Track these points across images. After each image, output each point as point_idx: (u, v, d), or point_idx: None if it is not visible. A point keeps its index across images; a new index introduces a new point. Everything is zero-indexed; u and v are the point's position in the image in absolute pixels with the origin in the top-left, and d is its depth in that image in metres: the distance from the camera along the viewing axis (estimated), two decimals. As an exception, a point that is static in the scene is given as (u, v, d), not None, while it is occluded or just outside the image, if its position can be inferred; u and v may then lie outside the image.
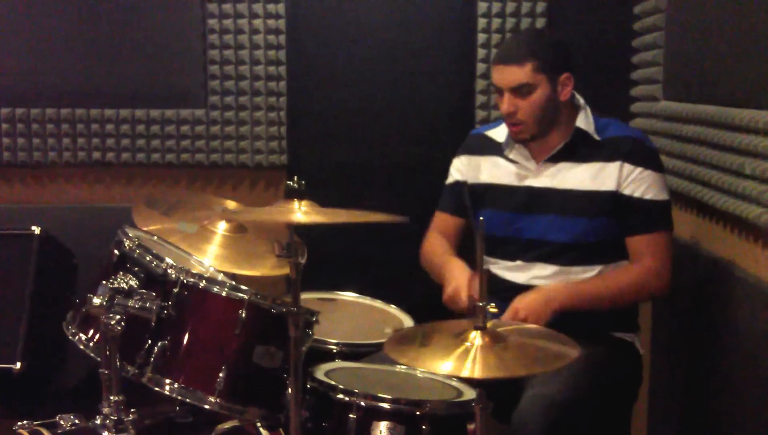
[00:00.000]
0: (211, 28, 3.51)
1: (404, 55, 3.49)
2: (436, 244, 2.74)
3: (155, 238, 2.65)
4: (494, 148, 2.70)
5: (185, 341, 2.25)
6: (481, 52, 3.41)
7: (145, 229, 2.67)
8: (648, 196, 2.50)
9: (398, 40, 3.49)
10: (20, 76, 3.56)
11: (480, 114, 3.44)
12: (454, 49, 3.48)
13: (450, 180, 2.80)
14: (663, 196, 2.53)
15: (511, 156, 2.65)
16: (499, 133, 2.71)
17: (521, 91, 2.49)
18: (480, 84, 3.43)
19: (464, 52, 3.45)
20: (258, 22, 3.50)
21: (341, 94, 3.53)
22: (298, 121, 3.55)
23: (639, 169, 2.50)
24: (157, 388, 2.24)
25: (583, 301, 2.47)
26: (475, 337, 1.95)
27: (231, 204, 3.02)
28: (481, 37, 3.41)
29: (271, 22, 3.50)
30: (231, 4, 3.49)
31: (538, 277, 2.58)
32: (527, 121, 2.52)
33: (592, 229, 2.54)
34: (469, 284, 2.40)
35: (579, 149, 2.57)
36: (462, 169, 2.76)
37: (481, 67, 3.42)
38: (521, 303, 2.41)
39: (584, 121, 2.57)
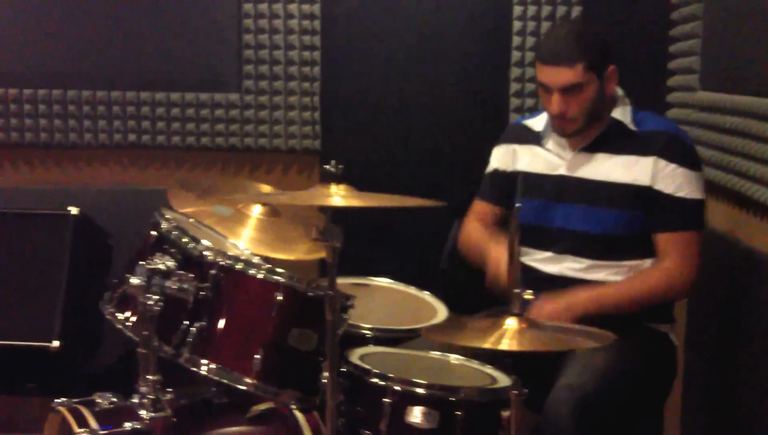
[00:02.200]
0: (245, 12, 3.52)
1: (439, 41, 3.49)
2: (476, 230, 2.75)
3: (191, 220, 2.66)
4: (532, 138, 2.70)
5: (222, 322, 2.27)
6: (516, 40, 3.40)
7: (181, 211, 2.69)
8: (680, 194, 2.48)
9: (433, 25, 3.48)
10: (58, 57, 3.59)
11: (514, 102, 3.43)
12: (488, 36, 3.47)
13: (489, 169, 2.80)
14: (696, 195, 2.49)
15: (548, 145, 2.65)
16: (538, 122, 2.71)
17: (572, 90, 2.48)
18: (514, 72, 3.42)
19: (499, 39, 3.43)
20: (293, 7, 3.51)
21: (375, 80, 3.53)
22: (331, 106, 3.56)
23: (673, 166, 2.48)
24: (193, 369, 2.26)
25: (605, 307, 2.46)
26: (511, 323, 1.96)
27: (265, 188, 3.03)
28: (517, 25, 3.40)
29: (305, 7, 3.51)
30: (266, -9, 3.51)
31: (570, 269, 2.58)
32: (577, 118, 2.52)
33: (623, 221, 2.53)
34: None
35: (614, 140, 2.55)
36: (500, 157, 2.77)
37: (515, 54, 3.41)
38: (542, 311, 2.40)
39: (621, 111, 2.56)
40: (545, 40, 2.75)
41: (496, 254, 2.48)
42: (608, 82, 2.52)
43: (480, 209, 2.80)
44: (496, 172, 2.78)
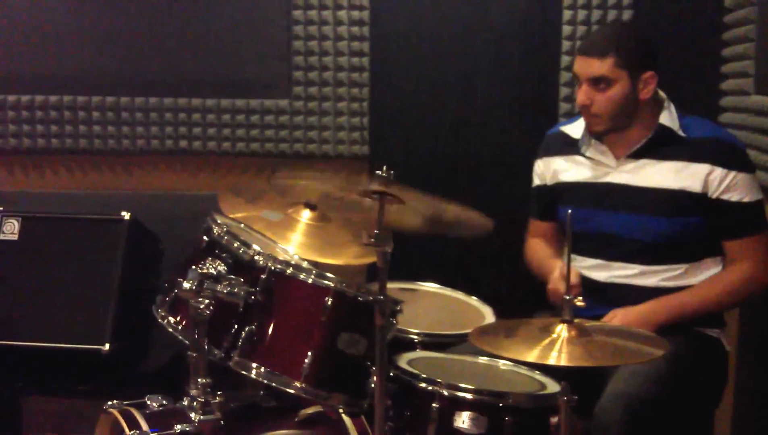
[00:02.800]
0: (295, 19, 3.55)
1: (487, 46, 3.47)
2: (537, 249, 2.80)
3: (242, 225, 2.69)
4: (571, 146, 2.69)
5: (271, 327, 2.29)
6: (565, 45, 3.38)
7: (231, 216, 2.72)
8: (741, 199, 2.46)
9: (482, 31, 3.47)
10: (110, 65, 3.64)
11: (563, 107, 3.40)
12: (538, 41, 3.44)
13: (533, 184, 2.82)
14: (757, 196, 2.49)
15: (588, 153, 2.63)
16: (576, 129, 2.69)
17: (599, 83, 2.47)
18: (564, 76, 3.39)
19: (549, 43, 3.41)
20: (342, 14, 3.53)
21: (423, 85, 3.52)
22: (380, 112, 3.56)
23: (732, 173, 2.46)
24: (243, 372, 2.28)
25: (684, 316, 2.46)
26: (561, 330, 1.95)
27: (316, 193, 3.04)
28: (566, 29, 3.37)
29: (354, 13, 3.52)
30: (316, -4, 3.53)
31: (621, 275, 2.56)
32: (602, 115, 2.51)
33: (673, 228, 2.50)
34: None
35: (662, 146, 2.53)
36: (540, 173, 2.79)
37: (565, 59, 3.38)
38: (623, 321, 2.41)
39: (668, 117, 2.53)
40: (587, 35, 2.75)
41: (558, 270, 2.50)
42: (643, 87, 2.49)
43: (534, 227, 2.85)
44: (538, 188, 2.80)
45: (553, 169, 2.72)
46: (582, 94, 2.51)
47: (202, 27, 3.60)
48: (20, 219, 3.36)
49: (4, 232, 3.36)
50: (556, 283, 2.48)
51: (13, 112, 3.68)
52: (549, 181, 2.74)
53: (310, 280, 2.28)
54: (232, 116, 3.63)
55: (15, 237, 3.35)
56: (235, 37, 3.59)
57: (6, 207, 3.40)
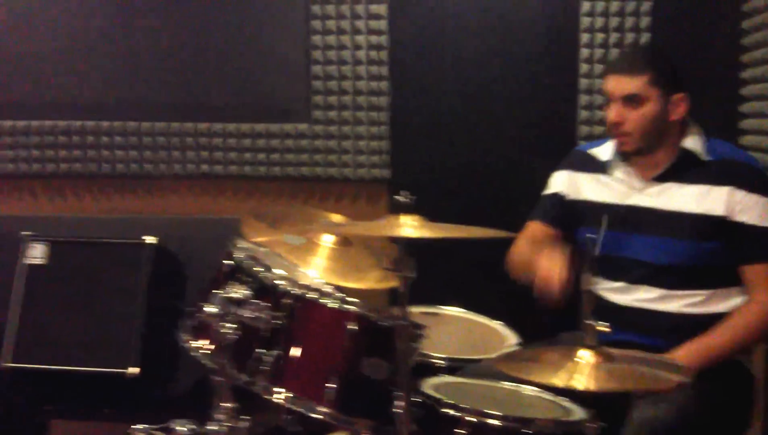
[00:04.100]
0: (314, 44, 3.58)
1: (507, 70, 3.49)
2: (525, 246, 2.71)
3: (264, 249, 2.71)
4: (597, 166, 2.69)
5: (296, 351, 2.29)
6: (584, 67, 3.39)
7: (254, 240, 2.73)
8: (762, 224, 2.45)
9: (501, 53, 3.49)
10: (132, 90, 3.69)
11: (583, 129, 3.42)
12: (557, 64, 3.46)
13: (548, 191, 2.80)
14: None
15: (615, 174, 2.64)
16: (604, 151, 2.70)
17: (632, 101, 2.48)
18: (583, 99, 3.41)
19: (567, 66, 3.42)
20: (361, 38, 3.56)
21: (443, 109, 3.54)
22: (400, 136, 3.58)
23: (751, 196, 2.46)
24: (268, 396, 2.28)
25: (714, 358, 2.42)
26: (585, 356, 1.96)
27: (335, 217, 3.06)
28: (584, 52, 3.38)
29: (373, 38, 3.55)
30: (335, 21, 3.55)
31: (642, 299, 2.55)
32: (633, 133, 2.51)
33: (696, 252, 2.50)
34: (565, 268, 2.37)
35: (686, 170, 2.53)
36: (561, 182, 2.76)
37: (583, 82, 3.40)
38: None
39: (692, 141, 2.54)
40: (617, 56, 2.75)
41: (546, 263, 2.43)
42: (674, 108, 2.51)
43: (533, 229, 2.78)
44: (556, 196, 2.77)
45: (577, 184, 2.72)
46: (613, 113, 2.52)
47: (223, 52, 3.64)
48: (48, 243, 3.41)
49: (32, 257, 3.41)
50: (549, 274, 2.40)
51: (38, 138, 3.74)
52: (571, 195, 2.73)
53: (333, 305, 2.29)
54: (252, 140, 3.67)
55: (43, 261, 3.40)
56: (255, 62, 3.63)
57: (34, 231, 3.44)
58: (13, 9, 3.68)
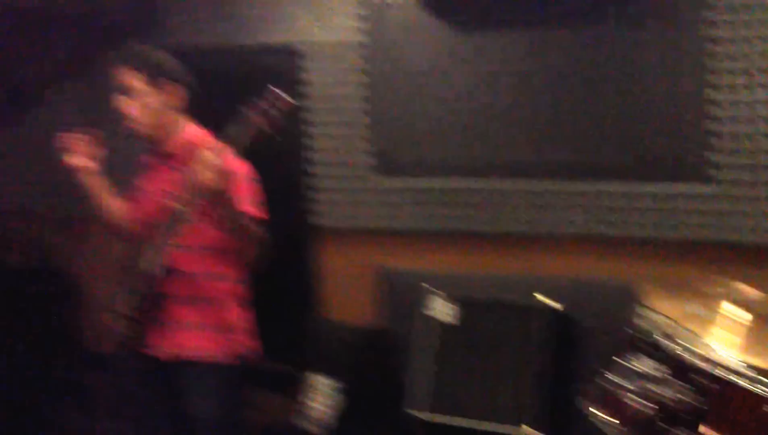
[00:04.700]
0: (710, 98, 3.38)
1: None
2: None
3: (667, 319, 2.62)
4: None
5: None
6: None
7: (658, 309, 2.65)
8: None
9: None
10: (528, 149, 3.75)
11: None
12: None
13: None
14: None
15: None
16: None
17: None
18: None
19: None
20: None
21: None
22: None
23: None
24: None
25: None
26: None
27: (744, 287, 2.88)
28: None
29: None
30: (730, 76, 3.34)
31: None
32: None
33: None
34: None
35: None
36: None
37: None
38: None
39: None
40: None
41: None
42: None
43: None
44: None
45: None
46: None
47: (614, 110, 3.58)
48: (458, 301, 3.59)
49: (442, 313, 3.61)
50: None
51: (449, 196, 3.91)
52: None
53: (756, 390, 2.15)
54: (652, 200, 3.56)
55: (453, 318, 3.58)
56: (647, 118, 3.52)
57: (439, 287, 3.65)
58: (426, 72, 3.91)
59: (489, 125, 3.81)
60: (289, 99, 2.53)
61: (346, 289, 4.16)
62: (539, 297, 3.46)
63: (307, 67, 4.08)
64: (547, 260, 3.78)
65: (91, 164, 3.00)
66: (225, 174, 2.59)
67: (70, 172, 3.01)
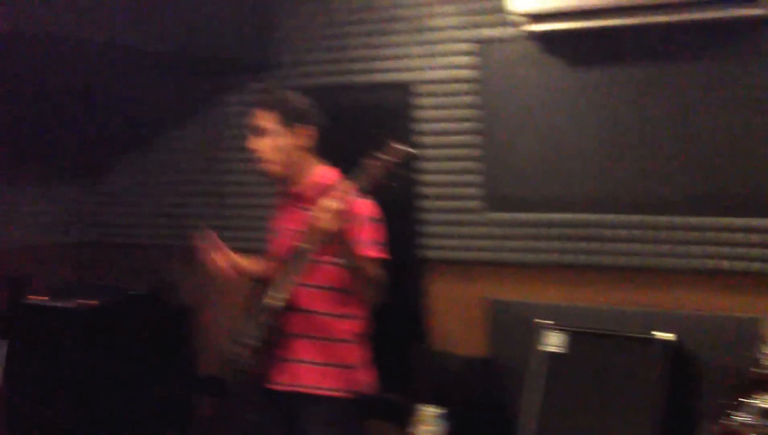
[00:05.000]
0: None
1: None
2: None
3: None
4: None
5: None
6: None
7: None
8: None
9: None
10: (641, 183, 3.71)
11: None
12: None
13: None
14: None
15: None
16: None
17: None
18: None
19: None
20: None
21: None
22: None
23: None
24: None
25: None
26: None
27: None
28: None
29: None
30: None
31: None
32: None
33: None
34: None
35: None
36: None
37: None
38: None
39: None
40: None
41: None
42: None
43: None
44: None
45: None
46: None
47: (733, 144, 3.51)
48: (569, 333, 3.58)
49: (547, 344, 3.60)
50: None
51: (558, 229, 3.90)
52: None
53: None
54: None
55: (559, 349, 3.57)
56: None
57: (551, 320, 3.64)
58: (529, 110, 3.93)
59: (601, 159, 3.80)
60: (410, 150, 2.58)
61: (456, 320, 4.17)
62: (657, 334, 3.41)
63: (419, 104, 4.16)
64: (662, 293, 3.71)
65: (228, 268, 3.04)
66: (344, 219, 2.65)
67: (208, 268, 3.07)
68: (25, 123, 4.83)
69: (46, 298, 4.53)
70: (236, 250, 2.97)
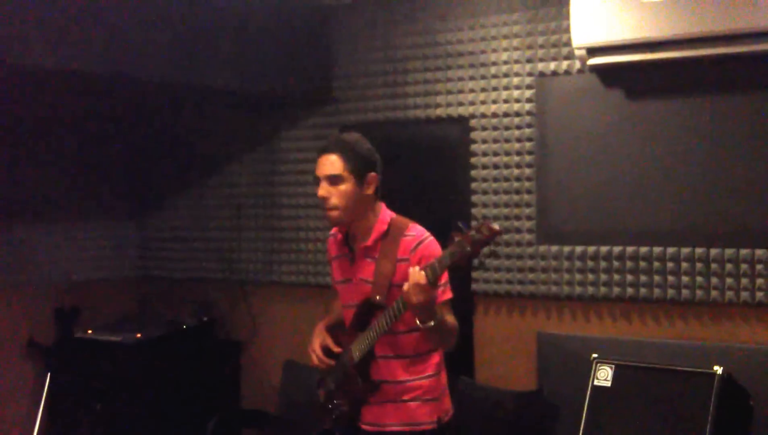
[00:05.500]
0: None
1: None
2: None
3: None
4: None
5: None
6: None
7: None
8: None
9: None
10: (694, 217, 3.70)
11: None
12: None
13: None
14: None
15: None
16: None
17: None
18: None
19: None
20: None
21: None
22: None
23: None
24: None
25: None
26: None
27: None
28: None
29: None
30: None
31: None
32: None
33: None
34: None
35: None
36: None
37: None
38: None
39: None
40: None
41: None
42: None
43: None
44: None
45: None
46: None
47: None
48: (613, 366, 3.53)
49: (598, 378, 3.55)
50: None
51: (606, 262, 3.89)
52: None
53: None
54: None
55: (608, 383, 3.52)
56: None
57: (600, 354, 3.60)
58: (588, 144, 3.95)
59: (652, 192, 3.79)
60: (496, 227, 2.57)
61: (505, 354, 4.15)
62: (707, 368, 3.34)
63: (475, 137, 4.19)
64: (712, 326, 3.69)
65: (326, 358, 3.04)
66: (434, 289, 2.64)
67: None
68: (86, 159, 4.95)
69: (91, 331, 4.60)
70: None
